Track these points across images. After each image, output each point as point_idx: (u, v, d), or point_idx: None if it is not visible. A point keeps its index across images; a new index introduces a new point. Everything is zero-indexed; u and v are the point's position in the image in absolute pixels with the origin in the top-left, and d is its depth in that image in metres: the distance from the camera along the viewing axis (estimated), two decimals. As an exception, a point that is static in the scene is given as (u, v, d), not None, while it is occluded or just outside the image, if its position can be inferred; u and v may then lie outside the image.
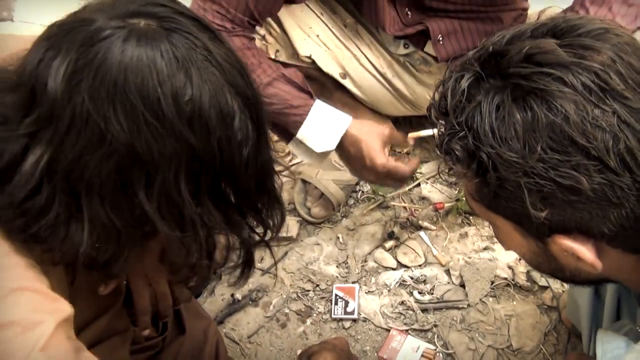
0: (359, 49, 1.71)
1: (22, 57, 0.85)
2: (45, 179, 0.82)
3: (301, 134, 1.52)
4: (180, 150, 0.83)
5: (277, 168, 1.04)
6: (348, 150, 1.52)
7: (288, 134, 1.58)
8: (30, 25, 2.07)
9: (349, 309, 1.63)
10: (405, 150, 1.99)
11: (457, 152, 0.80)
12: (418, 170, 1.90)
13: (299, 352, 1.46)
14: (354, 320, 1.61)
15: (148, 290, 1.20)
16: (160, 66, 0.80)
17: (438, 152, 0.83)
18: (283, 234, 1.76)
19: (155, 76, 0.79)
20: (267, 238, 1.03)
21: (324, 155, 1.57)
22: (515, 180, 0.76)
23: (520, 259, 1.67)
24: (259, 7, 1.46)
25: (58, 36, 0.82)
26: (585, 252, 0.79)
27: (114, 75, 0.78)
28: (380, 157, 1.49)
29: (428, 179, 1.92)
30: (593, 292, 1.18)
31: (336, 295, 1.65)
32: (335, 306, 1.64)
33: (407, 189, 1.92)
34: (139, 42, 0.80)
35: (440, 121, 0.83)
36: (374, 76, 1.74)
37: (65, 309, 0.87)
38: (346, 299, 1.65)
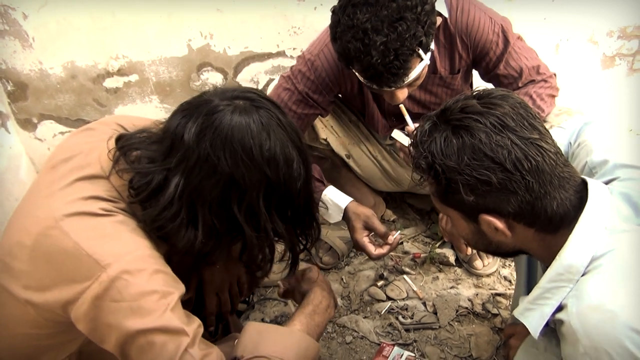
0: (359, 138, 2.05)
1: (162, 123, 1.10)
2: (176, 196, 1.04)
3: (320, 211, 1.76)
4: (261, 179, 1.04)
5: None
6: (347, 221, 1.76)
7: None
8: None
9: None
10: (392, 219, 2.28)
11: (422, 166, 1.06)
12: (401, 232, 2.19)
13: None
14: (354, 337, 1.82)
15: (216, 298, 1.47)
16: (252, 128, 1.02)
17: (411, 166, 1.09)
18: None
19: (249, 133, 1.02)
20: (308, 246, 1.24)
21: (337, 223, 1.82)
22: (454, 179, 1.00)
23: (477, 294, 1.96)
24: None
25: (189, 110, 1.05)
26: (499, 224, 1.03)
27: (225, 132, 1.01)
28: (357, 233, 1.69)
29: (409, 238, 2.24)
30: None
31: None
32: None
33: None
34: (240, 114, 1.03)
35: (414, 148, 1.08)
36: (369, 158, 2.08)
37: (182, 287, 1.08)
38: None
